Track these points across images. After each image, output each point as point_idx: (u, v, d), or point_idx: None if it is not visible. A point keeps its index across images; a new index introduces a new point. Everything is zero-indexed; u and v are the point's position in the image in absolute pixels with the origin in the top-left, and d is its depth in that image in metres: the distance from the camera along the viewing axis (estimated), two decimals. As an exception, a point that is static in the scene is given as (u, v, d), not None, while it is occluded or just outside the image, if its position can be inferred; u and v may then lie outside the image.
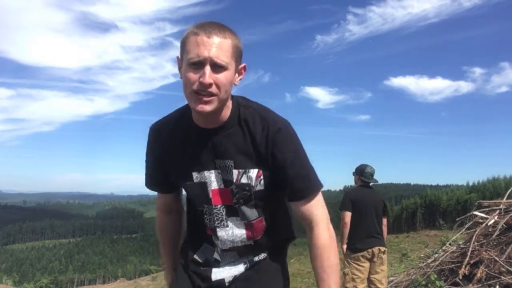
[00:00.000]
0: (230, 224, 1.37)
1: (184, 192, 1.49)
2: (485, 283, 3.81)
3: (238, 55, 1.21)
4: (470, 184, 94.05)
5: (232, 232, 1.37)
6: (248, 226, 1.37)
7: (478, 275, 3.89)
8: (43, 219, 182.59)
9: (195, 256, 1.45)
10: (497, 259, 3.93)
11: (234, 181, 1.29)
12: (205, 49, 1.13)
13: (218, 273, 1.42)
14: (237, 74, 1.24)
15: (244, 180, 1.29)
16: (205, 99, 1.16)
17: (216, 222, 1.37)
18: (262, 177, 1.29)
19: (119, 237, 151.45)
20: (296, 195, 1.29)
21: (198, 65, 1.14)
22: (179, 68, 1.23)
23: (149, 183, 1.47)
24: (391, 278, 5.89)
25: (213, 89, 1.15)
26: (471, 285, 3.90)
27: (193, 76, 1.15)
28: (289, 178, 1.27)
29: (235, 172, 1.29)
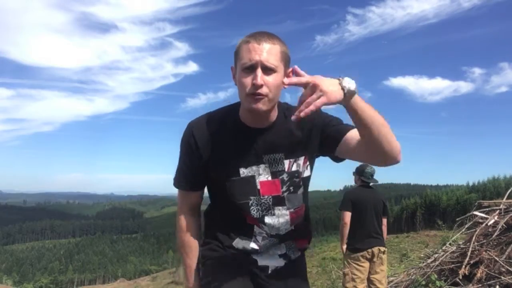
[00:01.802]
0: (276, 212, 1.48)
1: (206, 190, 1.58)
2: (485, 283, 3.81)
3: (286, 59, 1.34)
4: (470, 184, 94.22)
5: (278, 220, 1.48)
6: (292, 213, 1.50)
7: (478, 275, 3.89)
8: (43, 219, 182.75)
9: (234, 244, 1.51)
10: (497, 259, 3.93)
11: (286, 170, 1.44)
12: (256, 54, 1.27)
13: (263, 260, 1.53)
14: (285, 77, 1.33)
15: (294, 168, 1.45)
16: (258, 97, 1.28)
17: (265, 211, 1.46)
18: (308, 162, 1.48)
19: (119, 237, 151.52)
20: (343, 129, 1.40)
21: (251, 69, 1.28)
22: (233, 76, 1.37)
23: (184, 181, 1.50)
24: (391, 278, 5.89)
25: (264, 90, 1.27)
26: (471, 285, 3.90)
27: (246, 80, 1.28)
28: (334, 125, 1.43)
29: (286, 162, 1.44)
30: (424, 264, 5.50)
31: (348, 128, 1.40)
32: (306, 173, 1.50)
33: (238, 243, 1.51)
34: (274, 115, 1.42)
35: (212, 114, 1.48)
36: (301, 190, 1.50)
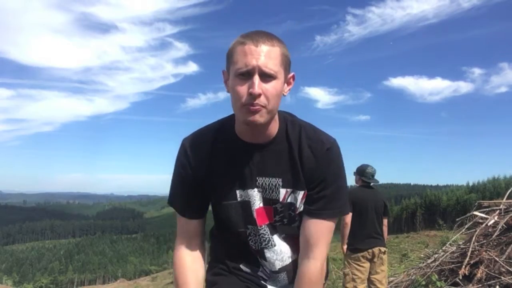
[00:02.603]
0: (276, 242, 1.31)
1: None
2: (485, 283, 3.81)
3: (287, 63, 1.16)
4: (470, 184, 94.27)
5: (280, 249, 1.31)
6: (290, 238, 1.32)
7: (478, 275, 3.89)
8: (43, 219, 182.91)
9: (241, 266, 1.36)
10: (497, 259, 3.93)
11: (281, 200, 1.25)
12: (253, 58, 1.08)
13: (273, 286, 1.37)
14: (286, 84, 1.19)
15: (290, 199, 1.25)
16: (254, 108, 1.10)
17: (264, 243, 1.30)
18: (305, 198, 1.26)
19: (119, 237, 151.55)
20: (318, 212, 1.23)
21: (246, 75, 1.10)
22: (225, 82, 1.19)
23: (182, 207, 1.30)
24: (391, 279, 5.90)
25: (262, 100, 1.10)
26: (471, 285, 3.90)
27: (241, 88, 1.10)
28: (321, 196, 1.23)
29: (282, 191, 1.24)
30: (424, 264, 5.50)
31: (323, 215, 1.23)
32: (301, 209, 1.28)
33: (245, 267, 1.37)
34: (274, 128, 1.22)
35: (206, 129, 1.30)
36: (296, 224, 1.30)
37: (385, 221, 4.60)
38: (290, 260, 1.33)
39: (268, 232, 1.28)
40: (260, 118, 1.11)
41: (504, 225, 4.41)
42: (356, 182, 4.68)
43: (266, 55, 1.09)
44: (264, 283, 1.37)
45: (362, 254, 4.38)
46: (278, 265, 1.32)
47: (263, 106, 1.10)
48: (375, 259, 4.41)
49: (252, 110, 1.10)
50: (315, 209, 1.23)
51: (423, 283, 4.68)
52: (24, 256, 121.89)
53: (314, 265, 1.23)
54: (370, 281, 4.47)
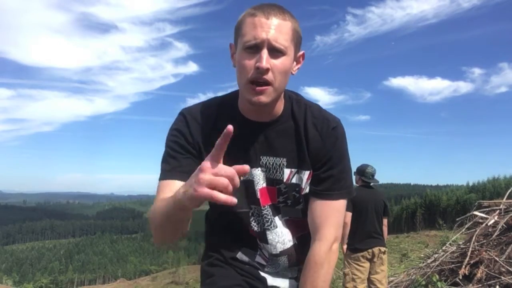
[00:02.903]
0: (278, 223, 1.25)
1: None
2: (485, 283, 3.81)
3: (297, 40, 1.11)
4: (470, 184, 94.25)
5: (281, 231, 1.26)
6: (291, 222, 1.27)
7: (478, 275, 3.89)
8: (43, 219, 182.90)
9: (238, 255, 1.30)
10: (497, 259, 3.94)
11: (285, 180, 1.20)
12: (262, 31, 1.02)
13: (273, 280, 1.31)
14: (295, 62, 1.13)
15: (294, 180, 1.20)
16: (259, 88, 1.04)
17: (266, 224, 1.24)
18: (311, 179, 1.21)
19: (119, 237, 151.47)
20: (325, 193, 1.19)
21: (255, 48, 1.03)
22: (232, 55, 1.13)
23: (171, 167, 1.15)
24: (391, 278, 5.90)
25: (269, 76, 1.04)
26: (471, 285, 3.90)
27: (248, 62, 1.04)
28: (327, 176, 1.19)
29: (286, 171, 1.19)
30: (424, 264, 5.51)
31: (330, 196, 1.18)
32: (307, 190, 1.22)
33: (242, 256, 1.30)
34: (280, 107, 1.18)
35: (208, 103, 1.23)
36: (300, 206, 1.25)
37: (385, 221, 4.61)
38: (291, 243, 1.27)
39: (271, 213, 1.23)
40: (265, 98, 1.06)
41: (504, 225, 4.42)
42: (356, 182, 4.69)
43: (276, 28, 1.03)
44: (263, 273, 1.31)
45: (362, 254, 4.38)
46: (280, 247, 1.26)
47: (269, 83, 1.04)
48: (375, 259, 4.41)
49: (258, 90, 1.04)
50: (321, 189, 1.19)
51: (423, 283, 4.68)
52: (24, 256, 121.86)
53: (319, 246, 1.17)
54: (370, 281, 4.47)
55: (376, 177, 4.63)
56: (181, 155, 1.15)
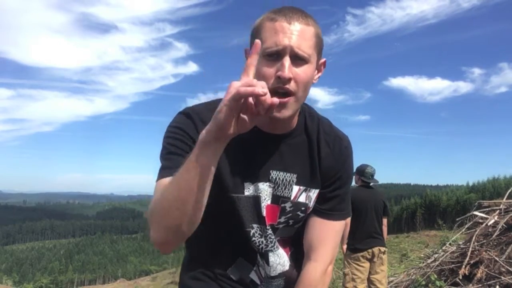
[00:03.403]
0: (278, 244, 1.16)
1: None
2: (485, 283, 3.81)
3: (320, 47, 1.02)
4: (470, 184, 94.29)
5: (282, 253, 1.16)
6: (282, 241, 1.18)
7: (478, 275, 3.89)
8: (43, 219, 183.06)
9: (229, 271, 1.16)
10: (497, 259, 3.94)
11: (292, 198, 1.10)
12: (285, 37, 0.92)
13: None
14: (316, 71, 1.04)
15: (302, 199, 1.11)
16: (282, 100, 0.92)
17: (270, 246, 1.13)
18: (317, 198, 1.14)
19: (119, 237, 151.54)
20: (329, 213, 1.14)
21: (275, 56, 0.94)
22: None
23: (175, 169, 0.93)
24: (391, 278, 5.90)
25: (292, 86, 0.94)
26: (471, 285, 3.90)
27: (268, 70, 0.93)
28: (334, 195, 1.14)
29: (295, 188, 1.10)
30: (424, 264, 5.51)
31: (333, 216, 1.14)
32: (311, 209, 1.15)
33: (235, 271, 1.16)
34: (294, 119, 1.08)
35: (213, 105, 1.02)
36: (299, 225, 1.17)
37: (385, 221, 4.61)
38: (288, 264, 1.18)
39: (273, 233, 1.13)
40: (287, 111, 0.97)
41: (504, 225, 4.42)
42: (356, 182, 4.69)
43: (299, 34, 0.94)
44: None
45: (362, 254, 4.38)
46: (280, 269, 1.16)
47: (292, 94, 0.95)
48: (375, 259, 4.42)
49: (281, 102, 0.91)
50: (325, 208, 1.13)
51: (423, 283, 4.68)
52: (24, 256, 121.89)
53: (314, 268, 1.12)
54: (370, 281, 4.47)
55: (376, 177, 4.63)
56: (184, 153, 0.99)
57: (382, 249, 4.45)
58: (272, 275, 1.16)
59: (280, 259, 1.16)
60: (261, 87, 0.76)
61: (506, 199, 5.02)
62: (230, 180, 1.05)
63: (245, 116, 0.79)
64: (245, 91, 0.75)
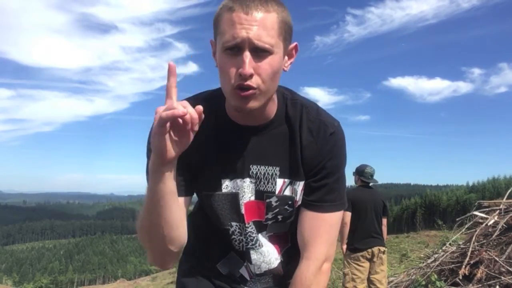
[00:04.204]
0: (263, 241, 1.11)
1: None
2: (485, 283, 3.81)
3: (287, 32, 0.93)
4: (470, 184, 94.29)
5: (267, 250, 1.12)
6: (276, 237, 1.14)
7: (478, 275, 3.89)
8: (43, 219, 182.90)
9: (218, 266, 1.16)
10: (497, 259, 3.93)
11: (277, 192, 1.05)
12: (242, 29, 0.85)
13: None
14: (286, 57, 0.97)
15: (287, 192, 1.05)
16: (244, 94, 0.89)
17: (250, 244, 1.09)
18: (304, 189, 1.07)
19: (119, 237, 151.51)
20: (317, 204, 1.05)
21: (235, 49, 0.87)
22: (213, 54, 0.97)
23: None
24: (391, 278, 5.90)
25: (254, 81, 0.88)
26: (471, 285, 3.90)
27: (230, 67, 0.89)
28: (320, 185, 1.04)
29: (279, 182, 1.04)
30: (424, 264, 5.51)
31: (322, 208, 1.04)
32: (300, 202, 1.08)
33: (224, 266, 1.15)
34: (272, 109, 1.02)
35: (197, 99, 1.04)
36: (291, 219, 1.10)
37: (384, 221, 4.61)
38: (277, 261, 1.13)
39: (255, 230, 1.08)
40: (253, 103, 0.91)
41: (504, 225, 4.41)
42: (355, 182, 4.69)
43: (259, 24, 0.86)
44: (244, 286, 1.17)
45: (361, 253, 4.38)
46: (265, 267, 1.12)
47: (255, 88, 0.89)
48: (375, 259, 4.41)
49: (243, 95, 0.89)
50: (312, 200, 1.05)
51: (423, 283, 4.68)
52: (24, 256, 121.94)
53: (307, 266, 1.03)
54: (369, 281, 4.47)
55: (375, 177, 4.63)
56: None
57: (382, 249, 4.45)
58: (257, 272, 1.13)
59: (264, 257, 1.11)
60: (181, 107, 0.76)
61: (506, 199, 5.01)
62: (207, 178, 1.03)
63: (176, 138, 0.81)
64: (167, 116, 0.76)
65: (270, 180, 1.03)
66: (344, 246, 4.49)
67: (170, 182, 0.86)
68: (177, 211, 0.91)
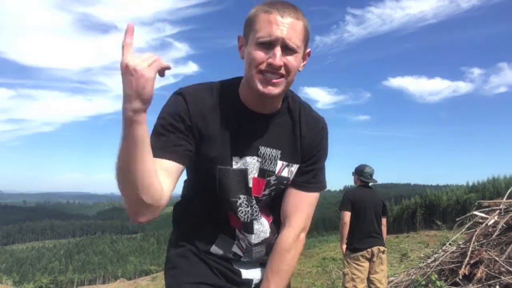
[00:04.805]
0: (260, 213, 1.29)
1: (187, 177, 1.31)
2: (485, 283, 3.80)
3: (307, 39, 1.15)
4: (470, 184, 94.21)
5: (264, 221, 1.30)
6: (262, 210, 1.32)
7: (478, 275, 3.89)
8: (43, 219, 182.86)
9: (212, 249, 1.29)
10: (497, 259, 3.93)
11: (276, 172, 1.24)
12: (277, 29, 1.05)
13: (247, 272, 1.34)
14: (302, 60, 1.17)
15: (284, 173, 1.25)
16: (274, 80, 1.08)
17: (255, 214, 1.26)
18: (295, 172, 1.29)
19: (119, 237, 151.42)
20: (304, 185, 1.28)
21: (268, 45, 1.07)
22: (239, 47, 1.17)
23: (164, 149, 1.10)
24: (391, 278, 5.89)
25: (282, 70, 1.09)
26: (471, 285, 3.90)
27: (261, 55, 1.07)
28: (310, 170, 1.28)
29: (279, 163, 1.24)
30: (424, 264, 5.50)
31: (307, 188, 1.28)
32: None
33: (217, 248, 1.29)
34: (279, 101, 1.23)
35: (207, 86, 1.22)
36: (277, 196, 1.31)
37: (384, 221, 4.60)
38: (269, 231, 1.32)
39: (256, 203, 1.26)
40: (276, 89, 1.10)
41: (504, 225, 4.41)
42: (355, 182, 4.69)
43: (290, 27, 1.06)
44: (236, 265, 1.32)
45: (361, 253, 4.38)
46: (263, 236, 1.30)
47: (283, 76, 1.09)
48: (375, 259, 4.41)
49: (271, 81, 1.08)
50: (301, 181, 1.27)
51: (423, 283, 4.67)
52: (24, 256, 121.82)
53: (288, 233, 1.26)
54: (369, 281, 4.46)
55: (375, 177, 4.63)
56: (174, 135, 1.13)
57: (382, 248, 4.44)
58: (256, 242, 1.29)
59: (263, 227, 1.29)
60: (159, 60, 0.93)
61: (506, 199, 5.01)
62: (220, 154, 1.18)
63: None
64: (161, 64, 0.94)
65: (273, 161, 1.23)
66: (344, 246, 4.49)
67: (144, 128, 0.94)
68: (149, 160, 0.98)
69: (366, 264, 4.41)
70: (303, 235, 1.29)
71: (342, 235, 4.47)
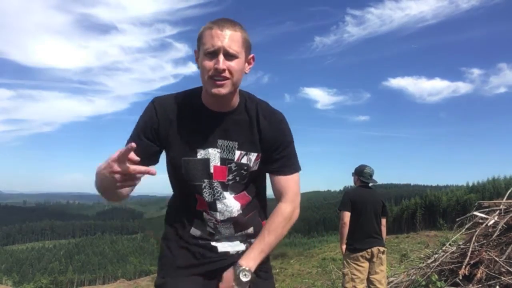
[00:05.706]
0: (226, 196, 1.52)
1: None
2: (485, 284, 3.80)
3: (247, 46, 1.40)
4: (470, 184, 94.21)
5: (229, 203, 1.52)
6: (237, 197, 1.54)
7: (478, 275, 3.89)
8: (43, 219, 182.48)
9: (192, 231, 1.56)
10: (497, 259, 3.93)
11: (235, 160, 1.48)
12: (218, 40, 1.32)
13: (222, 247, 1.56)
14: (247, 64, 1.43)
15: (244, 160, 1.49)
16: (219, 82, 1.34)
17: (216, 195, 1.50)
18: (259, 160, 1.51)
19: (119, 237, 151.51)
20: (281, 169, 1.52)
21: (213, 54, 1.33)
22: (196, 59, 1.43)
23: (136, 135, 1.46)
24: (391, 279, 5.89)
25: (226, 73, 1.33)
26: (471, 285, 3.89)
27: (208, 63, 1.33)
28: (280, 156, 1.51)
29: (237, 152, 1.47)
30: (424, 264, 5.50)
31: (285, 172, 1.52)
32: (254, 168, 1.52)
33: (195, 230, 1.56)
34: (235, 101, 1.47)
35: (176, 95, 1.53)
36: (245, 181, 1.53)
37: (384, 221, 4.60)
38: (238, 213, 1.53)
39: (220, 187, 1.49)
40: (223, 89, 1.35)
41: (504, 225, 4.41)
42: (355, 183, 4.68)
43: (229, 38, 1.33)
44: (213, 242, 1.55)
45: (361, 254, 4.37)
46: (227, 215, 1.52)
47: (228, 78, 1.34)
48: (374, 259, 4.41)
49: (217, 83, 1.34)
50: (276, 167, 1.52)
51: (423, 283, 4.67)
52: (24, 256, 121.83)
53: (286, 205, 1.50)
54: (369, 281, 4.46)
55: (375, 177, 4.62)
56: (138, 139, 1.42)
57: (382, 249, 4.44)
58: (221, 219, 1.52)
59: (227, 207, 1.51)
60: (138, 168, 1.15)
61: (506, 199, 5.00)
62: (185, 147, 1.46)
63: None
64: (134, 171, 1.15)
65: (231, 151, 1.47)
66: (344, 246, 4.49)
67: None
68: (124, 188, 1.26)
69: (366, 265, 4.41)
70: (297, 212, 1.53)
71: (341, 236, 4.47)
